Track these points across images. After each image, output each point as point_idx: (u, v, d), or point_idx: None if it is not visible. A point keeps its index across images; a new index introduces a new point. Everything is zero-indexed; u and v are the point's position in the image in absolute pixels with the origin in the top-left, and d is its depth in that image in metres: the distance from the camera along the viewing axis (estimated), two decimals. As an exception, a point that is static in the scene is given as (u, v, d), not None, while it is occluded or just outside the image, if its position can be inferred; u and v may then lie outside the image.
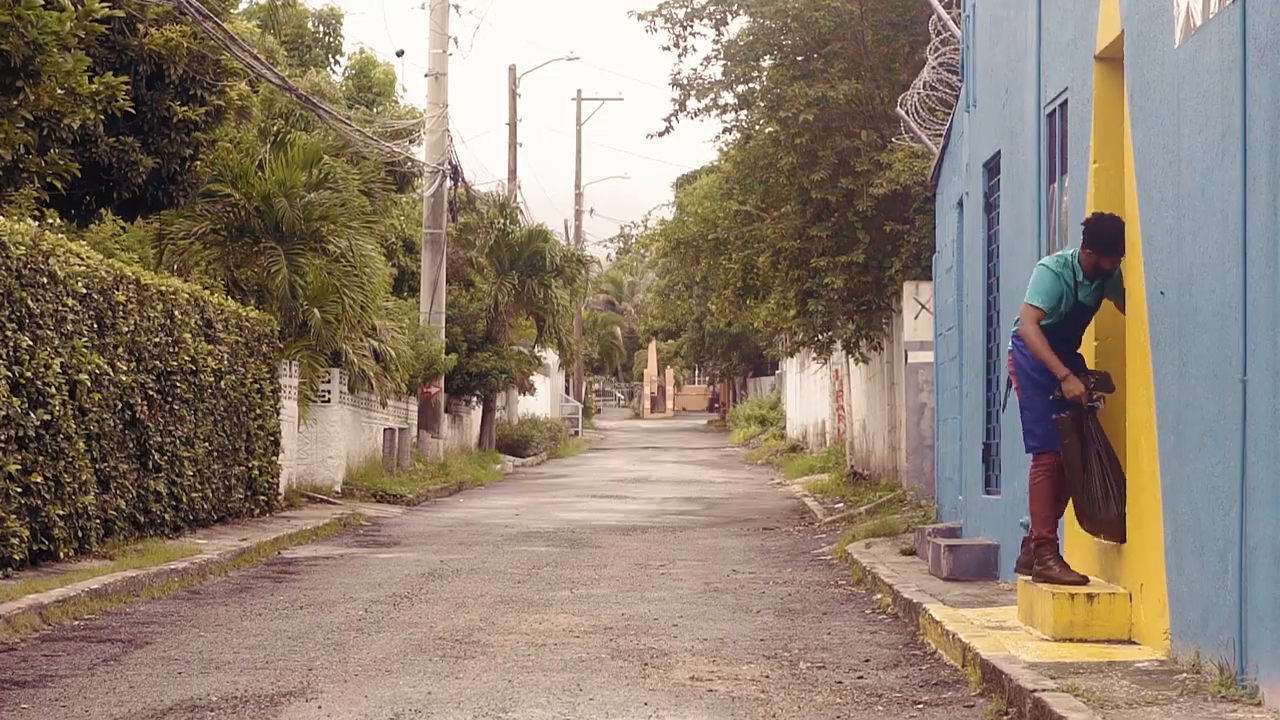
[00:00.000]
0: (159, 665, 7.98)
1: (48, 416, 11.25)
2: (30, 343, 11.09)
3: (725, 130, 21.10)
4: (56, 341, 11.56)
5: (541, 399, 47.60)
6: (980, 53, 12.22)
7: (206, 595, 11.19)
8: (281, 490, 18.58)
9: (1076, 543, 8.94)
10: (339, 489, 21.45)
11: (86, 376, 12.05)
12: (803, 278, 20.11)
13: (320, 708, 6.89)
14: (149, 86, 15.42)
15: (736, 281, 22.36)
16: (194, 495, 14.88)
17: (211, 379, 15.44)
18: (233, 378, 16.18)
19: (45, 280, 11.43)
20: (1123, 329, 8.32)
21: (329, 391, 21.48)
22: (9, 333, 10.84)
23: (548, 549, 14.98)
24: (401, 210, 30.48)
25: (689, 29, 20.09)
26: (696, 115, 20.33)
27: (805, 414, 38.59)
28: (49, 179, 12.61)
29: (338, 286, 19.87)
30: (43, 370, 11.24)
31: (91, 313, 12.37)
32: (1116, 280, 8.31)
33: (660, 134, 20.96)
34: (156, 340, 13.90)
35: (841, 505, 19.87)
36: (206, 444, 15.29)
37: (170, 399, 14.23)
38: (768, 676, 7.78)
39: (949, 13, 14.38)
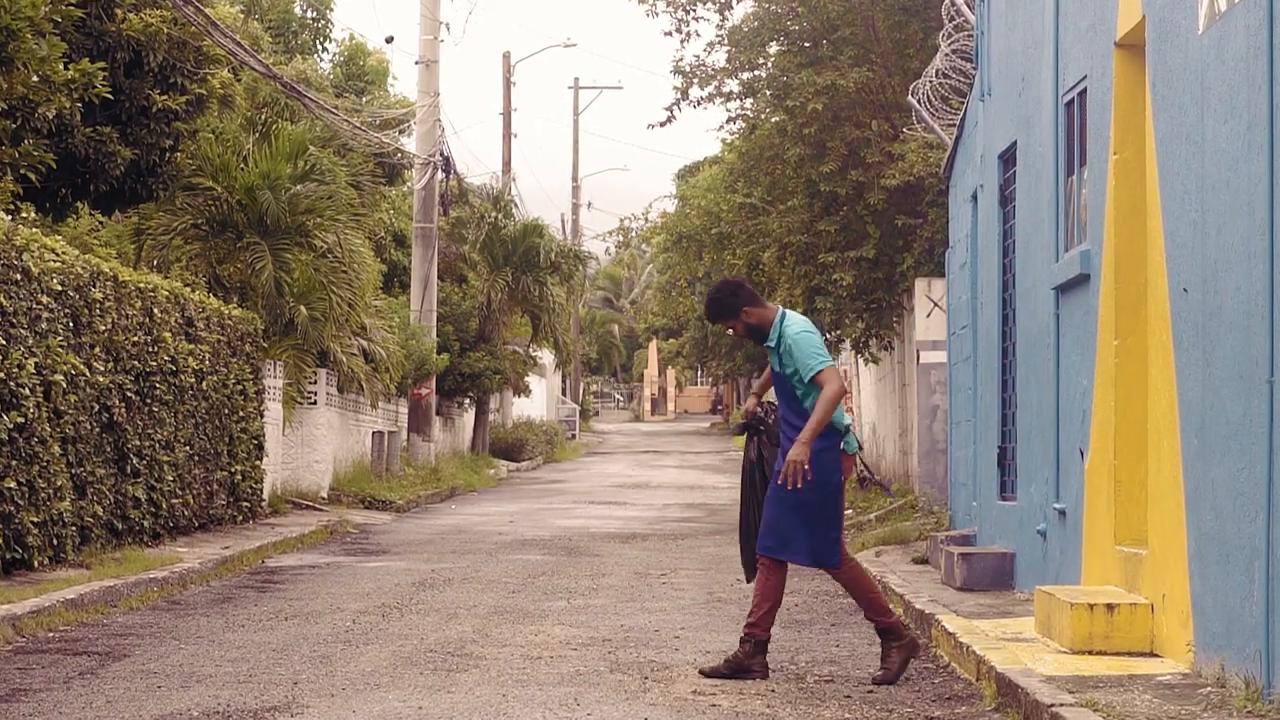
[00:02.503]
0: (137, 679, 7.81)
1: (21, 419, 10.98)
2: (3, 342, 10.84)
3: (729, 120, 20.85)
4: (30, 341, 11.30)
5: (537, 401, 47.38)
6: (995, 39, 12.10)
7: (187, 606, 10.99)
8: (265, 496, 18.25)
9: (1096, 551, 8.78)
10: (325, 495, 21.14)
11: (62, 377, 11.77)
12: (810, 274, 19.82)
13: (305, 724, 6.72)
14: (127, 74, 15.10)
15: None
16: (174, 501, 14.58)
17: (192, 380, 15.12)
18: (215, 378, 15.87)
19: (19, 277, 11.17)
20: (1145, 328, 8.19)
21: (315, 393, 21.13)
22: (-19, 332, 10.61)
23: (544, 557, 14.79)
24: (391, 204, 30.12)
25: (692, 13, 19.86)
26: (699, 104, 20.14)
27: (810, 416, 38.27)
28: (23, 171, 12.40)
29: (325, 283, 19.50)
30: (16, 371, 10.97)
31: (67, 311, 12.08)
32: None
33: (661, 124, 20.73)
34: (135, 339, 13.60)
35: (850, 511, 19.55)
36: (187, 448, 14.98)
37: (149, 401, 13.92)
38: (773, 690, 7.64)
39: (963, -3, 14.14)
